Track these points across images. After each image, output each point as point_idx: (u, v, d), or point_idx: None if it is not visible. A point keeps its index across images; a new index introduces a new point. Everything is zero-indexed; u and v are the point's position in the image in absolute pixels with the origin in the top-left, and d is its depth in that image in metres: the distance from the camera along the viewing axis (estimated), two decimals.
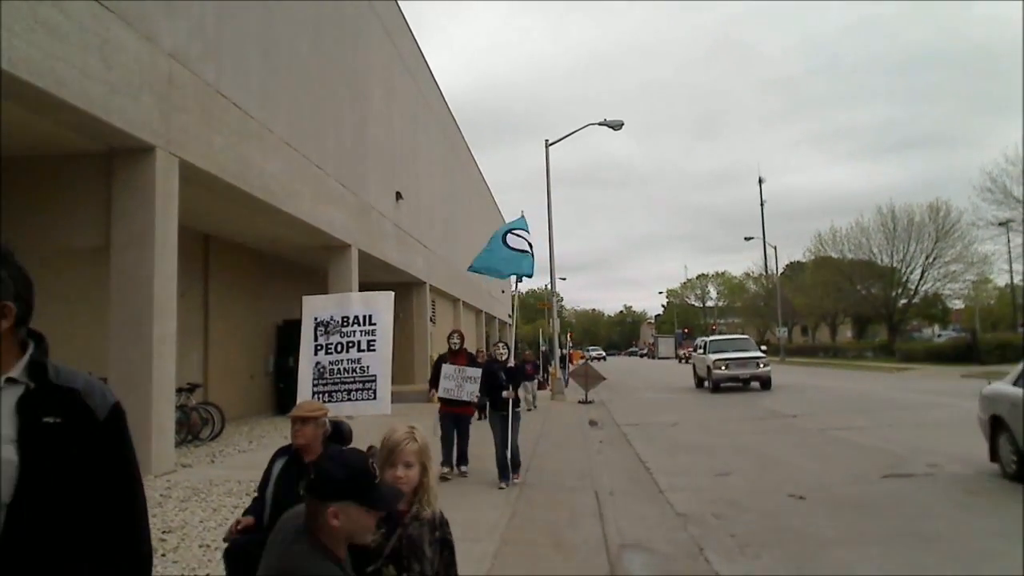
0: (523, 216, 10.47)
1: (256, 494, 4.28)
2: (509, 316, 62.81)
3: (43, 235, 9.86)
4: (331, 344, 5.76)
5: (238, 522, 4.07)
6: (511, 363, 9.48)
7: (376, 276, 22.44)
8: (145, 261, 9.14)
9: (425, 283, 26.04)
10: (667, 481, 9.42)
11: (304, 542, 2.31)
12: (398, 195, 21.61)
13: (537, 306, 78.94)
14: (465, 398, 9.20)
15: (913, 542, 6.25)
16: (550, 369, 27.27)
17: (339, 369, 5.68)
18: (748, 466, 10.45)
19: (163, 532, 6.28)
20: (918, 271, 51.22)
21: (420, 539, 2.76)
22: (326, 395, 5.58)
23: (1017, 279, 47.05)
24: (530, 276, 10.11)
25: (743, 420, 16.34)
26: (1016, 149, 60.33)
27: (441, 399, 9.39)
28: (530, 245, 9.93)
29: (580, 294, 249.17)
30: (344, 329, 5.76)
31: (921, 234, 50.08)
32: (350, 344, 5.73)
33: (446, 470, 9.21)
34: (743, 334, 36.81)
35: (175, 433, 10.43)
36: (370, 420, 5.15)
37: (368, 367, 5.65)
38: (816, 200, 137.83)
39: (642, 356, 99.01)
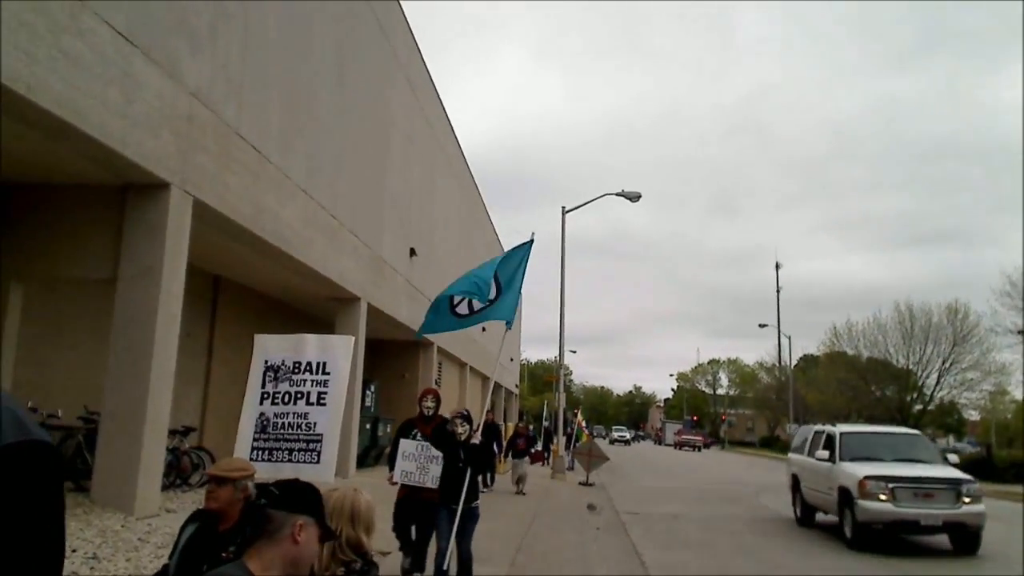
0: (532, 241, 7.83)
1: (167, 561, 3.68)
2: (516, 386, 62.19)
3: (53, 263, 9.78)
4: (279, 393, 5.05)
5: None
6: (475, 439, 7.02)
7: (384, 332, 22.19)
8: (150, 297, 8.95)
9: (433, 344, 25.73)
10: None
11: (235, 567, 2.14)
12: (412, 251, 21.52)
13: (544, 378, 78.12)
14: (430, 484, 7.24)
15: None
16: (552, 446, 26.65)
17: (284, 423, 4.97)
18: (748, 569, 9.89)
19: None
20: (934, 375, 50.33)
21: None
22: (266, 452, 4.95)
23: None
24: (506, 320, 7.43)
25: (747, 520, 15.67)
26: None
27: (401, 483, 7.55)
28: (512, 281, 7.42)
29: (590, 369, 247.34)
30: (295, 377, 5.04)
31: (939, 336, 49.33)
32: (299, 395, 5.00)
33: None
34: (909, 429, 17.50)
35: (164, 476, 10.09)
36: None
37: (315, 424, 4.93)
38: (832, 290, 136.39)
39: (635, 440, 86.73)
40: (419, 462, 7.35)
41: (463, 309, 7.36)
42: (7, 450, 1.37)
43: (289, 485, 2.28)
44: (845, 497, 12.24)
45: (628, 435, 76.95)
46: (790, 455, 16.76)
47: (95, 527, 7.68)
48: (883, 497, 11.63)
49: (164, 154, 8.92)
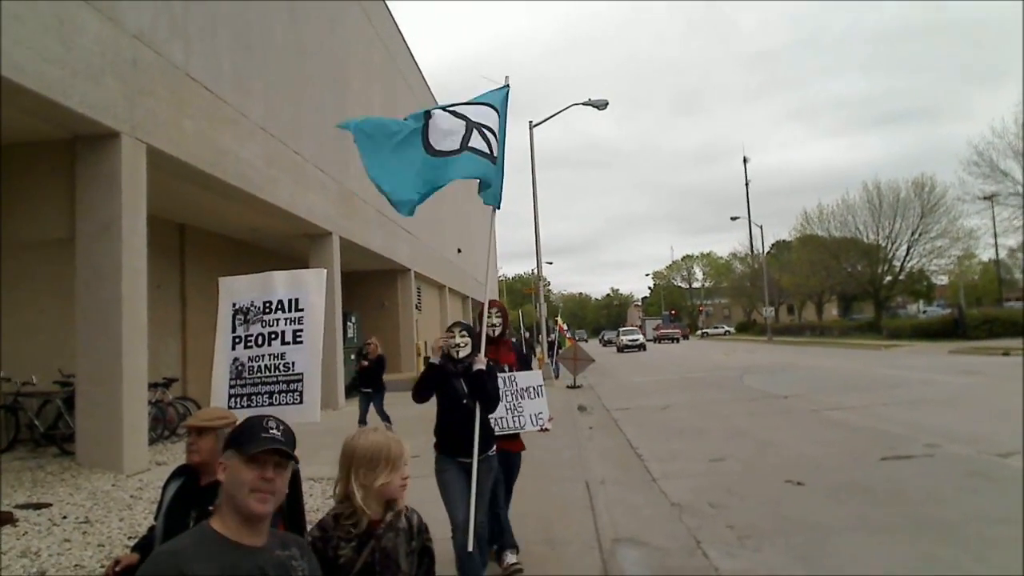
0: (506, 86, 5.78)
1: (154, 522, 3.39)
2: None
3: (6, 226, 9.49)
4: (251, 336, 4.73)
5: (117, 561, 3.22)
6: (479, 363, 4.81)
7: (359, 264, 22.09)
8: (112, 253, 8.75)
9: (410, 270, 25.68)
10: (660, 468, 9.16)
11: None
12: None
13: (523, 291, 78.58)
14: (531, 427, 5.56)
15: (920, 529, 6.02)
16: (536, 356, 27.04)
17: (260, 367, 4.68)
18: (742, 450, 10.21)
19: (128, 538, 5.93)
20: (904, 247, 51.56)
21: (395, 551, 2.51)
22: (244, 398, 4.68)
23: (1002, 253, 47.39)
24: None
25: (734, 402, 16.12)
26: (1003, 121, 60.32)
27: None
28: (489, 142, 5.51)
29: (567, 278, 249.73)
30: (266, 317, 4.71)
31: (907, 210, 50.28)
32: (272, 336, 4.66)
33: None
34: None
35: (150, 430, 10.10)
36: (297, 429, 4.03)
37: (293, 363, 4.63)
38: (801, 178, 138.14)
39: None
40: (506, 400, 5.46)
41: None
42: None
43: None
44: None
45: (641, 337, 55.81)
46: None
47: (84, 490, 7.61)
48: None
49: (110, 102, 8.58)
